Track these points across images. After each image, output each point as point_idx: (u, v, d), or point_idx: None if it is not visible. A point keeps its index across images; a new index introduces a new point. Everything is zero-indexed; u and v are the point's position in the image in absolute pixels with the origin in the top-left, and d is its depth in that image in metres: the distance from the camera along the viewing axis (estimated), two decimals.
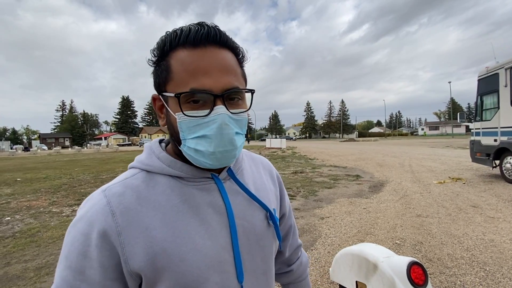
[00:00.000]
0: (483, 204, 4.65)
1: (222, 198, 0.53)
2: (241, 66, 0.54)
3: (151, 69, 0.53)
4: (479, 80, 7.23)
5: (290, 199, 5.50)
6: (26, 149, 47.99)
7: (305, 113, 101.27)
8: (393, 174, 8.23)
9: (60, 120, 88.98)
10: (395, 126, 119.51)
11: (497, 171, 7.11)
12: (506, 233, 3.39)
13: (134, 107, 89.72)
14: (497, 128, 6.52)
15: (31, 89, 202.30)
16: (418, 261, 0.84)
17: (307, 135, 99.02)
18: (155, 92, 0.53)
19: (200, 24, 0.48)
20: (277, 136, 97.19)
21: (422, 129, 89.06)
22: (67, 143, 73.46)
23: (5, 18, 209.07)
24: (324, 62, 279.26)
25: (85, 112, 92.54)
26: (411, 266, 0.85)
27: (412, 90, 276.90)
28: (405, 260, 0.86)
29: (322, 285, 2.45)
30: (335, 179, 7.80)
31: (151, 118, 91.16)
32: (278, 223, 0.61)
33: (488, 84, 6.84)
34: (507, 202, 4.73)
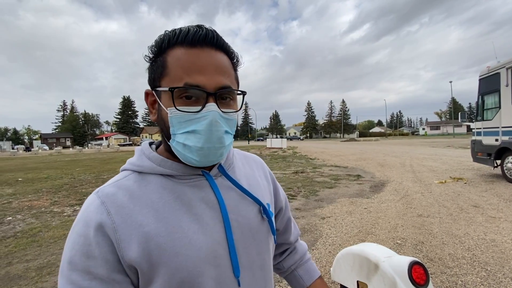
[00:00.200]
0: (484, 204, 4.64)
1: (214, 194, 0.54)
2: (235, 70, 0.55)
3: None
4: (480, 80, 7.21)
5: (291, 199, 5.53)
6: (28, 149, 48.08)
7: (305, 113, 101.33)
8: (394, 174, 8.22)
9: (61, 120, 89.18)
10: (396, 126, 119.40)
11: (498, 171, 7.09)
12: (507, 233, 3.38)
13: (135, 107, 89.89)
14: (498, 127, 6.50)
15: (32, 89, 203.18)
16: (419, 261, 0.84)
17: (308, 135, 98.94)
18: (148, 88, 0.55)
19: (199, 26, 0.50)
20: (278, 136, 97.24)
21: (423, 128, 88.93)
22: (68, 143, 73.64)
23: (6, 18, 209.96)
24: (325, 62, 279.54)
25: (86, 112, 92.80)
26: (413, 265, 0.85)
27: (413, 89, 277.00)
28: (406, 260, 0.85)
29: None
30: (336, 179, 7.79)
31: None
32: (272, 217, 0.62)
33: (489, 84, 6.82)
34: (508, 202, 4.71)
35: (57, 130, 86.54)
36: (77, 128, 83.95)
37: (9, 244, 3.61)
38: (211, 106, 0.48)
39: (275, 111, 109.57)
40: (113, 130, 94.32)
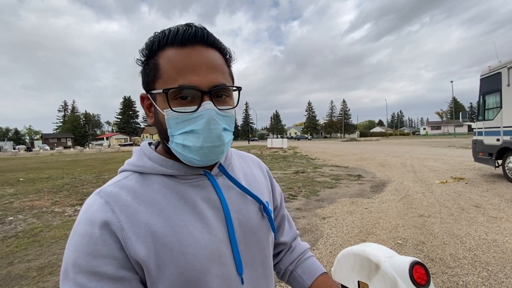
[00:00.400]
0: (486, 204, 4.62)
1: (216, 193, 0.54)
2: (228, 66, 0.55)
3: None
4: (481, 80, 7.19)
5: (291, 199, 5.52)
6: (29, 149, 48.18)
7: (306, 113, 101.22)
8: (395, 174, 8.21)
9: (62, 120, 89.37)
10: (397, 126, 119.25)
11: (499, 170, 7.07)
12: (508, 233, 3.37)
13: (135, 107, 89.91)
14: (499, 127, 6.49)
15: (33, 89, 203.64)
16: (420, 261, 0.84)
17: (309, 134, 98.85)
18: (143, 92, 0.54)
19: (188, 25, 0.49)
20: (279, 136, 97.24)
21: (424, 128, 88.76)
22: (69, 143, 73.76)
23: (8, 18, 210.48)
24: (326, 62, 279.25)
25: (87, 112, 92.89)
26: (414, 266, 0.84)
27: (414, 89, 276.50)
28: (407, 260, 0.85)
29: None
30: (336, 179, 7.79)
31: None
32: (272, 215, 0.63)
33: (491, 84, 6.80)
34: (510, 202, 4.70)
35: (58, 130, 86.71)
36: (78, 128, 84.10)
37: (11, 244, 3.62)
38: (207, 104, 0.47)
39: (276, 111, 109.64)
40: (114, 130, 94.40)
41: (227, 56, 0.54)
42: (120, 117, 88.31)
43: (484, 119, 7.05)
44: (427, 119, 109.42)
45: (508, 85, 6.18)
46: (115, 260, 0.44)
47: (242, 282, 0.54)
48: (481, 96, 7.15)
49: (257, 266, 0.58)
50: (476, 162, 7.69)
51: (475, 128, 7.52)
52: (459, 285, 2.34)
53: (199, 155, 0.49)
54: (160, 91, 0.48)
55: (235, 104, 0.55)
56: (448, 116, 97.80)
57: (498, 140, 6.53)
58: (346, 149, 21.51)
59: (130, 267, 0.46)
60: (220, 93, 0.50)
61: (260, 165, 0.74)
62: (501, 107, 6.43)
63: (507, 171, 6.40)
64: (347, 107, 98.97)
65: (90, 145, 60.91)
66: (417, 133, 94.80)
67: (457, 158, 11.59)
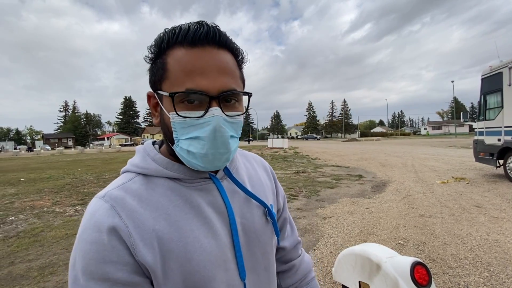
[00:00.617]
0: (487, 204, 4.61)
1: (221, 198, 0.53)
2: (240, 68, 0.53)
3: None
4: (482, 79, 7.18)
5: (292, 199, 5.52)
6: (30, 149, 48.28)
7: (307, 113, 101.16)
8: (395, 174, 8.19)
9: (63, 120, 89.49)
10: (398, 126, 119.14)
11: (501, 171, 7.05)
12: (510, 233, 3.36)
13: (136, 107, 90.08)
14: (500, 127, 6.47)
15: (34, 89, 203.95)
16: (421, 261, 0.83)
17: (301, 135, 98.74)
18: (150, 90, 0.52)
19: (200, 23, 0.47)
20: (279, 136, 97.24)
21: (425, 128, 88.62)
22: (70, 143, 73.84)
23: (9, 19, 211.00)
24: (326, 62, 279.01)
25: (88, 112, 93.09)
26: (415, 266, 0.84)
27: (414, 89, 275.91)
28: (408, 260, 0.85)
29: (325, 285, 2.45)
30: (337, 179, 7.78)
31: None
32: (276, 218, 0.61)
33: (492, 83, 6.79)
34: (511, 202, 4.69)
35: (59, 131, 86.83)
36: (79, 128, 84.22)
37: (12, 244, 3.62)
38: (215, 110, 0.45)
39: (276, 111, 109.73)
40: (115, 130, 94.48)
41: (239, 58, 0.52)
42: (121, 117, 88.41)
43: (485, 119, 7.04)
44: (428, 119, 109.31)
45: (509, 85, 6.17)
46: (126, 266, 0.43)
47: (245, 287, 0.53)
48: (482, 96, 7.14)
49: (260, 270, 0.57)
50: (477, 162, 7.67)
51: (476, 128, 7.51)
52: (461, 285, 2.33)
53: (203, 161, 0.48)
54: (167, 94, 0.46)
55: (244, 110, 0.52)
56: (449, 116, 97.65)
57: (499, 140, 6.52)
58: (346, 149, 21.49)
59: (141, 272, 0.45)
60: (229, 98, 0.49)
61: (264, 165, 0.72)
62: (502, 107, 6.41)
63: (509, 171, 6.39)
64: (347, 107, 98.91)
65: (91, 145, 61.01)
66: (418, 133, 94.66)
67: (458, 158, 11.57)
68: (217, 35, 0.47)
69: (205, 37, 0.46)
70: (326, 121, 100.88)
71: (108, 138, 74.23)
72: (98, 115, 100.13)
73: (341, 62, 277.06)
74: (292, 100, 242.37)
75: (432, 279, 0.81)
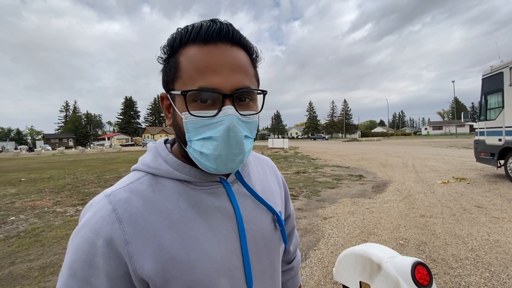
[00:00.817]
0: (488, 204, 4.60)
1: (230, 202, 0.52)
2: (254, 66, 0.51)
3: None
4: (483, 79, 7.17)
5: (292, 199, 5.51)
6: (30, 149, 48.32)
7: (307, 113, 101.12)
8: (396, 174, 8.18)
9: (63, 120, 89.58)
10: (398, 126, 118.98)
11: (501, 171, 7.04)
12: (511, 233, 3.35)
13: (137, 107, 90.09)
14: (501, 127, 6.47)
15: (35, 90, 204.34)
16: (422, 261, 0.83)
17: (310, 135, 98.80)
18: (163, 91, 0.51)
19: (213, 21, 0.46)
20: (280, 136, 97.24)
21: (426, 128, 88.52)
22: (71, 143, 73.93)
23: (10, 19, 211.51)
24: (327, 62, 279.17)
25: (89, 112, 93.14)
26: (416, 266, 0.84)
27: (415, 89, 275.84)
28: (409, 261, 0.85)
29: (326, 285, 2.45)
30: (338, 179, 7.77)
31: (153, 119, 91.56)
32: (284, 226, 0.60)
33: (493, 83, 6.78)
34: None
35: (59, 131, 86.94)
36: (79, 129, 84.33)
37: (12, 243, 3.63)
38: (228, 109, 0.44)
39: (277, 111, 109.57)
40: (115, 131, 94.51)
41: (254, 56, 0.51)
42: (121, 117, 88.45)
43: (486, 119, 7.03)
44: (429, 119, 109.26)
45: (510, 85, 6.16)
46: (109, 278, 0.43)
47: None
48: (483, 96, 7.13)
49: (266, 278, 0.56)
50: (478, 162, 7.66)
51: (477, 128, 7.50)
52: (461, 285, 2.33)
53: (216, 163, 0.46)
54: (179, 92, 0.45)
55: (259, 109, 0.50)
56: (450, 116, 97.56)
57: (500, 140, 6.51)
58: (347, 149, 21.48)
59: (125, 287, 0.44)
60: (243, 96, 0.47)
61: (276, 171, 0.72)
62: (503, 107, 6.40)
63: (509, 171, 6.38)
64: (348, 107, 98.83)
65: (92, 145, 61.03)
66: (418, 133, 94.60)
67: (459, 158, 11.55)
68: (230, 32, 0.46)
69: (218, 34, 0.45)
70: (327, 121, 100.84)
71: (108, 138, 74.28)
72: (98, 115, 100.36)
73: (342, 62, 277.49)
74: (292, 100, 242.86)
75: (433, 279, 0.81)
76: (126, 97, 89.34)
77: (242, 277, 0.51)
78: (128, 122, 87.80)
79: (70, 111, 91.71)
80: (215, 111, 0.44)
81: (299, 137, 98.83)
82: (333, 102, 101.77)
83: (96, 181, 8.87)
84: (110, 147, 45.24)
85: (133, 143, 65.59)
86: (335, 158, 14.45)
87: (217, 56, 0.44)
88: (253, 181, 0.59)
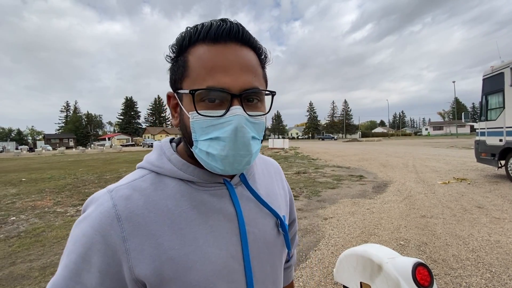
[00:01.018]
0: (489, 205, 4.60)
1: (233, 205, 0.51)
2: (263, 67, 0.51)
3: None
4: (484, 80, 7.16)
5: None
6: (31, 149, 48.42)
7: (307, 113, 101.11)
8: (396, 174, 8.18)
9: (64, 120, 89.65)
10: (399, 126, 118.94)
11: (502, 171, 7.03)
12: None
13: (137, 107, 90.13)
14: (502, 128, 6.46)
15: (35, 90, 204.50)
16: (423, 262, 0.83)
17: (310, 135, 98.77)
18: (170, 90, 0.51)
19: (223, 20, 0.46)
20: (280, 136, 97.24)
21: (426, 129, 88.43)
22: (71, 143, 73.97)
23: (11, 20, 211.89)
24: (327, 62, 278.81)
25: (89, 112, 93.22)
26: (417, 267, 0.84)
27: (415, 89, 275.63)
28: (410, 261, 0.85)
29: (326, 285, 2.44)
30: (338, 179, 7.77)
31: (154, 119, 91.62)
32: (287, 231, 0.59)
33: (493, 84, 6.78)
34: None
35: (60, 131, 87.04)
36: (80, 129, 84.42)
37: (13, 244, 3.63)
38: (236, 109, 0.43)
39: (277, 111, 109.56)
40: (116, 131, 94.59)
41: (262, 56, 0.51)
42: (122, 117, 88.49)
43: (486, 120, 7.02)
44: (429, 119, 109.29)
45: (511, 85, 6.15)
46: (100, 274, 0.43)
47: None
48: (484, 96, 7.13)
49: (268, 283, 0.55)
50: (479, 163, 7.65)
51: (477, 129, 7.50)
52: (462, 286, 2.32)
53: (223, 164, 0.45)
54: (187, 91, 0.44)
55: (267, 110, 0.50)
56: (450, 117, 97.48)
57: (500, 140, 6.50)
58: (347, 150, 21.46)
59: (116, 286, 0.44)
60: (251, 97, 0.46)
61: (281, 175, 0.71)
62: (504, 107, 6.40)
63: (510, 171, 6.37)
64: (348, 108, 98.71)
65: (92, 145, 61.14)
66: (419, 133, 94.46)
67: (459, 158, 11.54)
68: (240, 31, 0.46)
69: (227, 33, 0.45)
70: (327, 122, 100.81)
71: (109, 139, 74.34)
72: (99, 115, 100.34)
73: (342, 62, 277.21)
74: (292, 100, 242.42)
75: (434, 280, 0.81)
76: (126, 97, 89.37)
77: (242, 281, 0.50)
78: (129, 122, 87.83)
79: (71, 111, 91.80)
80: (223, 111, 0.44)
81: (299, 137, 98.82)
82: (333, 102, 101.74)
83: (97, 181, 8.88)
84: (111, 147, 45.26)
85: (133, 143, 65.63)
86: (336, 158, 14.44)
87: (227, 56, 0.44)
88: (257, 184, 0.58)
